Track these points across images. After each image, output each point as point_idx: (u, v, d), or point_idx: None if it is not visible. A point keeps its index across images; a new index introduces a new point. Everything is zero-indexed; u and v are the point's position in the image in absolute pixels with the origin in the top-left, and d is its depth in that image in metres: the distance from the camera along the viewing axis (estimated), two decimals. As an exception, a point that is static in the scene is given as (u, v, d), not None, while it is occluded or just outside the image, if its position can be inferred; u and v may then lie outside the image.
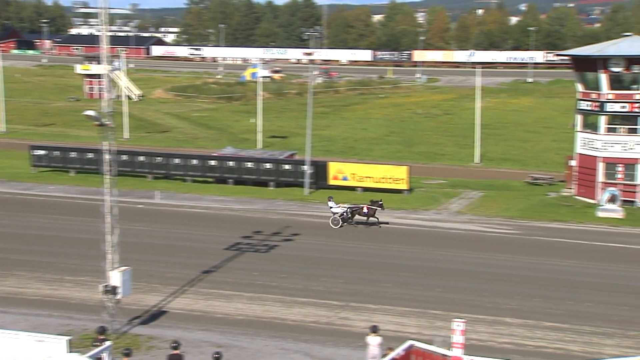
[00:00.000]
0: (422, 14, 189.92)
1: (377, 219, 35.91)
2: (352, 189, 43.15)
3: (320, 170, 43.78)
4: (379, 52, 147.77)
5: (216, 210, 39.30)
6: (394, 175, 42.92)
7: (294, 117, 75.20)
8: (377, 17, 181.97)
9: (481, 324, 23.58)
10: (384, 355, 18.55)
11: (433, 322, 23.65)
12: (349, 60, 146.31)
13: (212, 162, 45.87)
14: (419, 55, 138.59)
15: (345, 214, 35.89)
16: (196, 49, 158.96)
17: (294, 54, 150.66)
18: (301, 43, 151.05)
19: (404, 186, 42.64)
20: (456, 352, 17.77)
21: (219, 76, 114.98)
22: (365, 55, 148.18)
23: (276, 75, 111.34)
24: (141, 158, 46.84)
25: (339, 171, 43.86)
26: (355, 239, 33.86)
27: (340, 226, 35.53)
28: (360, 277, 28.34)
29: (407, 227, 36.05)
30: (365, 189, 42.87)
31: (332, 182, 43.76)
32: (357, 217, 36.08)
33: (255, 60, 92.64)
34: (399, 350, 18.17)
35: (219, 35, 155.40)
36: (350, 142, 62.55)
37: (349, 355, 21.45)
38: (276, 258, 30.70)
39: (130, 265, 23.01)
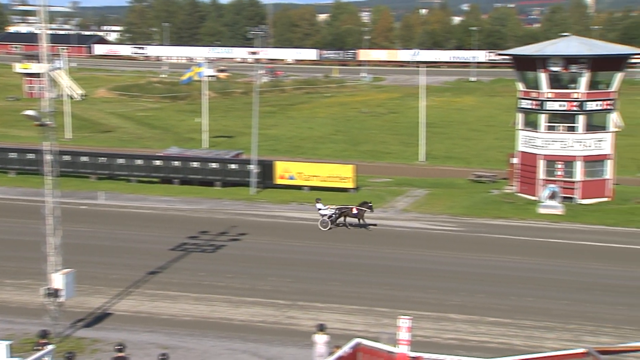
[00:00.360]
0: (366, 13, 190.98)
1: (364, 220, 35.58)
2: (298, 188, 43.18)
3: (266, 170, 43.70)
4: (325, 51, 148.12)
5: (162, 211, 38.90)
6: (341, 174, 43.10)
7: (240, 116, 74.85)
8: (322, 17, 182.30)
9: (427, 320, 23.87)
10: (331, 354, 18.62)
11: (380, 320, 23.85)
12: (295, 60, 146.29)
13: (157, 162, 45.36)
14: (364, 54, 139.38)
15: (334, 215, 35.47)
16: (140, 48, 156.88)
17: (240, 53, 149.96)
18: (246, 42, 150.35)
19: (350, 185, 42.86)
20: (402, 349, 17.93)
21: (163, 75, 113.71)
22: (311, 54, 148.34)
23: (221, 75, 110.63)
24: (84, 158, 46.06)
25: (286, 170, 43.84)
26: (303, 238, 33.91)
27: (329, 228, 35.10)
28: (307, 275, 28.39)
29: (355, 226, 36.20)
30: (312, 188, 42.94)
31: (278, 181, 43.73)
32: (348, 219, 35.56)
33: (200, 59, 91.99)
34: (346, 349, 18.25)
35: (163, 34, 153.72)
36: (296, 141, 62.57)
37: (296, 354, 21.49)
38: (223, 258, 30.55)
39: (73, 268, 22.62)
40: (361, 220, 35.48)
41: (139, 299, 25.60)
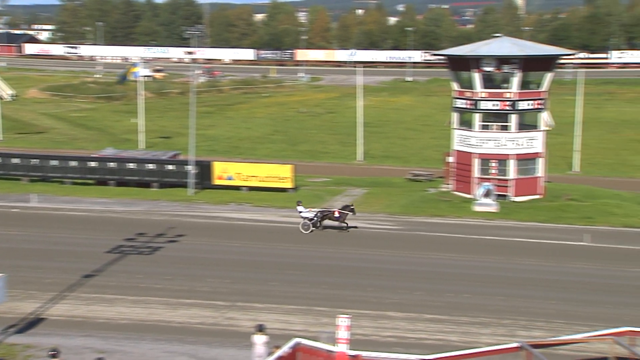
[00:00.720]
0: (303, 13, 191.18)
1: (347, 224, 35.13)
2: (237, 188, 43.00)
3: (204, 170, 43.37)
4: (262, 51, 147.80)
5: (97, 213, 38.22)
6: (279, 174, 43.09)
7: (177, 116, 74.11)
8: (259, 16, 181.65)
9: (366, 318, 24.07)
10: (270, 354, 18.62)
11: (319, 319, 23.94)
12: (232, 60, 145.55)
13: (92, 164, 44.53)
14: (301, 54, 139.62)
15: (315, 218, 35.00)
16: (73, 47, 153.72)
17: (176, 53, 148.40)
18: (183, 42, 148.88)
19: (289, 185, 42.89)
20: (341, 347, 18.05)
21: (97, 75, 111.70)
22: (248, 54, 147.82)
23: (158, 75, 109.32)
24: (15, 160, 44.92)
25: (224, 171, 43.61)
26: (241, 239, 33.78)
27: (311, 231, 34.68)
28: (246, 276, 28.31)
29: (292, 225, 36.25)
30: (251, 189, 42.83)
31: (217, 181, 43.46)
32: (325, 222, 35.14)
33: (136, 59, 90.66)
34: (285, 348, 18.27)
35: (97, 33, 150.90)
36: (234, 142, 62.28)
37: (236, 355, 21.41)
38: (160, 260, 30.20)
39: (5, 272, 22.03)
40: (343, 224, 34.98)
41: (74, 303, 25.11)
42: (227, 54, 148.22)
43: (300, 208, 35.32)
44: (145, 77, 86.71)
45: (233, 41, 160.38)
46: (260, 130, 68.18)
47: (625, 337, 19.28)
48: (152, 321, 23.83)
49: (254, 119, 74.93)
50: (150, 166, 43.74)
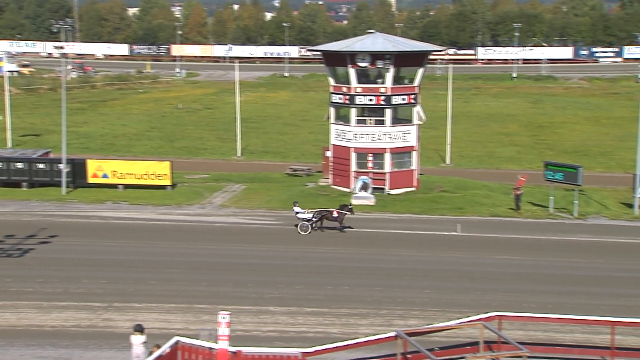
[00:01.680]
0: (178, 8, 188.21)
1: (343, 224, 34.44)
2: (113, 186, 41.92)
3: (78, 169, 42.01)
4: (136, 46, 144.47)
5: (-39, 216, 36.27)
6: (157, 171, 42.31)
7: (48, 113, 71.32)
8: (132, 11, 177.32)
9: (246, 314, 24.08)
10: (150, 354, 18.32)
11: (199, 317, 23.74)
12: (105, 55, 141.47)
13: (-45, 164, 42.19)
14: (177, 49, 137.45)
15: (313, 219, 34.05)
16: None
17: (44, 47, 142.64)
18: (51, 36, 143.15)
19: (167, 182, 42.20)
20: (222, 344, 18.00)
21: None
22: (122, 49, 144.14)
23: (25, 70, 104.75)
24: None
25: (99, 169, 42.38)
26: (118, 238, 32.97)
27: (309, 232, 33.81)
28: (123, 276, 27.67)
29: (171, 222, 35.75)
30: (127, 187, 41.87)
31: (91, 180, 42.19)
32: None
33: (0, 53, 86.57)
34: (165, 347, 18.04)
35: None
36: (109, 139, 60.61)
37: (113, 357, 20.91)
38: (32, 262, 29.03)
39: None
40: (341, 224, 34.32)
41: (-63, 312, 23.76)
42: (99, 49, 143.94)
43: (297, 209, 34.44)
44: (12, 72, 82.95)
45: (105, 36, 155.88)
46: (136, 126, 66.66)
47: (494, 322, 20.25)
48: (22, 326, 22.89)
49: (130, 116, 73.16)
50: (19, 165, 41.94)
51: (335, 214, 34.27)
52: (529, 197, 40.29)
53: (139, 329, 19.29)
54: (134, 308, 24.54)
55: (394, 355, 19.40)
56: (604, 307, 24.68)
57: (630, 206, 39.03)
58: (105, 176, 42.30)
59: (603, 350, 20.84)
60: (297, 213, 34.44)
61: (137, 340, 19.11)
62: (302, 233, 33.90)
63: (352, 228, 34.71)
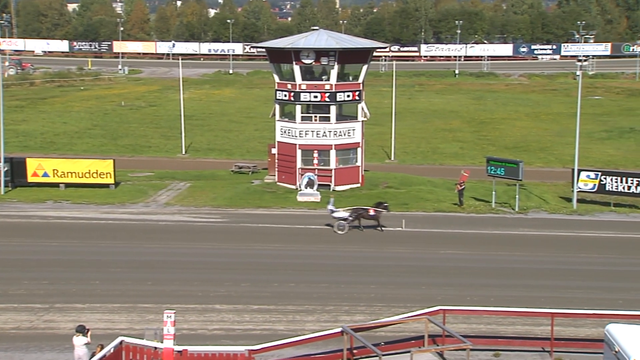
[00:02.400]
0: (120, 4, 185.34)
1: (380, 222, 33.90)
2: (55, 185, 41.15)
3: (17, 168, 41.11)
4: (77, 43, 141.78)
5: None
6: (99, 170, 41.67)
7: (-16, 111, 69.56)
8: (72, 6, 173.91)
9: (192, 313, 23.93)
10: (93, 355, 18.08)
11: (144, 316, 23.50)
12: (45, 51, 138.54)
13: None
14: (119, 46, 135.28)
15: (350, 218, 33.35)
16: None
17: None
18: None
19: (110, 180, 41.60)
20: (167, 343, 17.88)
21: None
22: (62, 45, 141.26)
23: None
24: None
25: (39, 167, 41.54)
26: (60, 238, 32.41)
27: (345, 232, 33.15)
28: (65, 276, 27.20)
29: (114, 221, 35.28)
30: (69, 185, 41.17)
31: (31, 179, 41.33)
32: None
33: None
34: (109, 348, 17.84)
35: None
36: (50, 137, 59.42)
37: (55, 358, 20.58)
38: (-31, 265, 28.31)
39: None
40: (379, 222, 33.83)
41: None
42: (38, 45, 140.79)
43: (331, 207, 33.78)
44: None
45: (44, 32, 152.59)
46: (77, 124, 65.50)
47: (438, 316, 20.57)
48: (-39, 330, 22.33)
49: (71, 113, 71.82)
50: (-45, 165, 40.86)
51: (372, 212, 33.84)
52: (472, 192, 40.96)
53: (81, 330, 18.98)
54: (77, 308, 24.16)
55: (340, 350, 19.55)
56: (544, 299, 25.27)
57: (569, 200, 40.01)
58: (45, 175, 41.49)
59: (543, 341, 21.37)
60: (332, 212, 33.81)
61: (79, 341, 18.81)
62: (340, 233, 33.36)
63: (386, 227, 34.18)
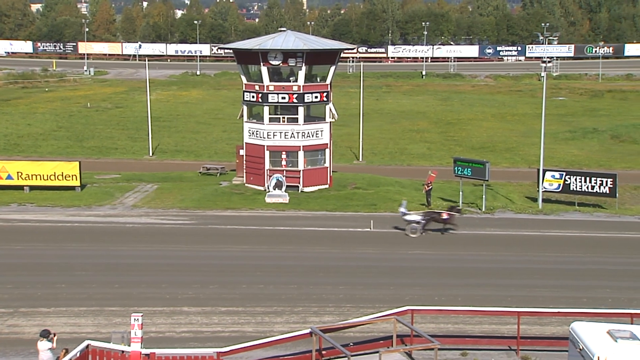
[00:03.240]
0: (84, 4, 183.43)
1: (453, 225, 33.50)
2: (19, 188, 40.59)
3: (-21, 170, 40.51)
4: (41, 44, 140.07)
5: None
6: (65, 172, 41.21)
7: (-54, 113, 68.42)
8: (35, 7, 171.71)
9: (160, 315, 23.75)
10: (58, 359, 17.88)
11: (111, 320, 23.28)
12: (8, 52, 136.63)
13: None
14: (84, 47, 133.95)
15: (423, 221, 32.88)
16: None
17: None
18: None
19: (75, 182, 41.16)
20: (135, 346, 17.74)
21: None
22: (26, 46, 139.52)
23: None
24: None
25: (2, 170, 40.95)
26: (24, 241, 31.96)
27: (417, 235, 32.85)
28: (30, 280, 26.84)
29: (80, 224, 34.89)
30: (33, 188, 40.64)
31: (-6, 182, 40.78)
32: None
33: None
34: (75, 352, 17.64)
35: None
36: (14, 139, 58.65)
37: (21, 364, 20.28)
38: None
39: None
40: (451, 225, 33.46)
41: None
42: (1, 46, 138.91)
43: (404, 210, 33.29)
44: None
45: (7, 32, 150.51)
46: (42, 126, 64.71)
47: (406, 316, 20.68)
48: None
49: (35, 115, 70.95)
50: None
51: (445, 216, 33.55)
52: (440, 192, 41.25)
53: (45, 335, 18.70)
54: (42, 313, 23.85)
55: (309, 352, 19.55)
56: (511, 298, 25.53)
57: (534, 200, 40.49)
58: (9, 177, 40.92)
59: (510, 340, 21.58)
60: (404, 215, 33.39)
61: (43, 346, 18.53)
62: (412, 236, 33.13)
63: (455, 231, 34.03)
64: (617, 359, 16.02)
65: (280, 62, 40.38)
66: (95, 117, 70.99)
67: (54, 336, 18.79)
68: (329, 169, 42.66)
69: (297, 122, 41.28)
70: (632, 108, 78.46)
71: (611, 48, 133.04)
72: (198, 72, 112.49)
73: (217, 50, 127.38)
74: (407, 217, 33.49)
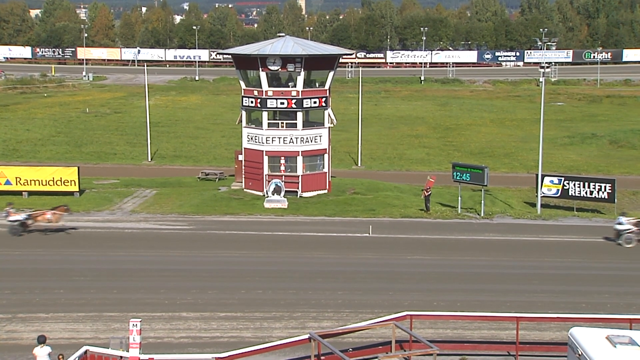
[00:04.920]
0: (83, 10, 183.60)
1: None
2: (18, 193, 40.56)
3: (-22, 176, 40.50)
4: (40, 49, 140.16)
5: None
6: (63, 177, 41.21)
7: (-55, 118, 68.41)
8: (34, 12, 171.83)
9: (158, 321, 23.72)
10: (56, 365, 17.85)
11: (110, 325, 23.25)
12: (7, 57, 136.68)
13: None
14: (83, 52, 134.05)
15: (637, 229, 32.24)
16: None
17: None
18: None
19: (74, 188, 41.15)
20: (133, 352, 17.73)
21: None
22: (25, 52, 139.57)
23: None
24: None
25: (1, 175, 40.97)
26: (24, 247, 31.92)
27: (633, 245, 32.44)
28: (28, 286, 26.80)
29: (79, 229, 34.84)
30: (32, 193, 40.62)
31: (-7, 187, 40.76)
32: None
33: None
34: (73, 357, 17.62)
35: None
36: (12, 144, 58.63)
37: (19, 370, 20.26)
38: None
39: None
40: None
41: None
42: (0, 52, 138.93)
43: (621, 219, 32.74)
44: None
45: (6, 38, 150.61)
46: (41, 131, 64.70)
47: (405, 321, 20.67)
48: None
49: (34, 120, 70.93)
50: None
51: None
52: (438, 197, 41.25)
53: (42, 340, 18.66)
54: (40, 318, 23.82)
55: (308, 357, 19.54)
56: (510, 303, 25.52)
57: (533, 205, 40.49)
58: (8, 183, 40.91)
59: (509, 345, 21.58)
60: (620, 224, 32.79)
61: (41, 352, 18.48)
62: (627, 246, 32.60)
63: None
64: (616, 365, 16.01)
65: (279, 67, 40.43)
66: (94, 122, 70.99)
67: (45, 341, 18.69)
68: (327, 174, 42.66)
69: (296, 127, 41.30)
70: (631, 113, 78.55)
71: (609, 53, 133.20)
72: (197, 78, 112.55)
73: (215, 55, 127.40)
74: (616, 227, 33.06)
